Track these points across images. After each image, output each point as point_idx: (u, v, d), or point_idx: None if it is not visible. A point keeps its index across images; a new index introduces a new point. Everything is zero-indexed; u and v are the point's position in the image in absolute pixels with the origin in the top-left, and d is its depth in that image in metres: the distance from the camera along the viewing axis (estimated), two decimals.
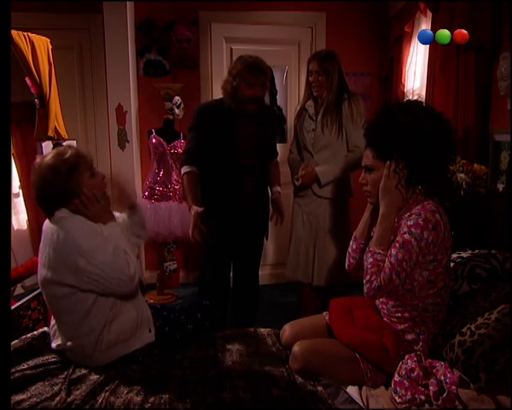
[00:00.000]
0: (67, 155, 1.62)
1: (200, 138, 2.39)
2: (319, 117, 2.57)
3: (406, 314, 1.55)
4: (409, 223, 1.46)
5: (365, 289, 1.49)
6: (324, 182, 2.55)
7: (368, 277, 1.47)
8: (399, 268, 1.43)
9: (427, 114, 1.50)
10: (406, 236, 1.44)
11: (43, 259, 1.57)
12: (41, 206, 1.63)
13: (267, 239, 2.63)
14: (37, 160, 1.63)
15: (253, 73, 2.24)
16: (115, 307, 1.60)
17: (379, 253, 1.48)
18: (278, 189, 2.55)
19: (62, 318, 1.61)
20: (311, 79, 2.57)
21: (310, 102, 2.64)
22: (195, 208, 2.26)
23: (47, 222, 1.63)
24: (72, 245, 1.51)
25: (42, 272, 1.58)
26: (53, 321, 1.69)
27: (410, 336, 1.55)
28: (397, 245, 1.45)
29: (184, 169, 2.44)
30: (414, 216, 1.46)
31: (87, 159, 1.66)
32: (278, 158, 2.64)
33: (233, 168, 2.37)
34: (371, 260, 1.49)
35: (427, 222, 1.43)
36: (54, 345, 1.66)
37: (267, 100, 3.78)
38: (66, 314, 1.59)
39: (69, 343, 1.60)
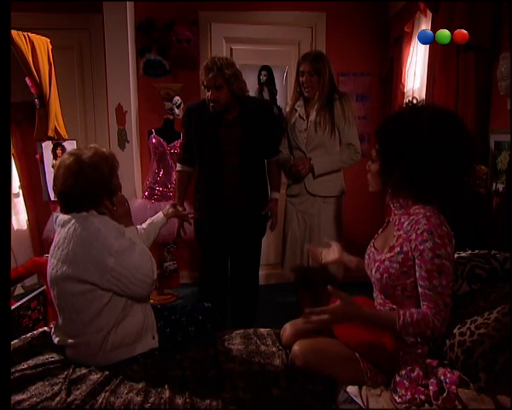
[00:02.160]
0: (107, 154, 1.64)
1: (188, 139, 2.48)
2: (312, 117, 2.60)
3: None
4: (427, 245, 1.42)
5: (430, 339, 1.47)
6: (318, 173, 2.59)
7: (428, 331, 1.43)
8: (448, 291, 1.42)
9: (437, 125, 1.45)
10: (436, 260, 1.41)
11: (62, 254, 1.55)
12: (70, 204, 1.59)
13: (262, 237, 2.63)
14: (67, 157, 1.59)
15: (206, 76, 2.26)
16: (125, 309, 1.61)
17: (399, 317, 1.44)
18: (276, 195, 2.58)
19: (72, 316, 1.59)
20: (302, 79, 2.60)
21: (299, 103, 2.67)
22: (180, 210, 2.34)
23: (65, 218, 1.61)
24: (103, 243, 1.52)
25: (59, 267, 1.56)
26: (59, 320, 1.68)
27: (408, 339, 1.55)
28: (435, 274, 1.41)
29: (177, 167, 2.60)
30: (426, 235, 1.42)
31: (116, 159, 1.69)
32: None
33: (218, 168, 2.38)
34: (408, 330, 1.43)
35: (442, 238, 1.42)
36: (55, 339, 1.66)
37: (267, 99, 3.81)
38: (78, 312, 1.57)
39: (73, 340, 1.59)
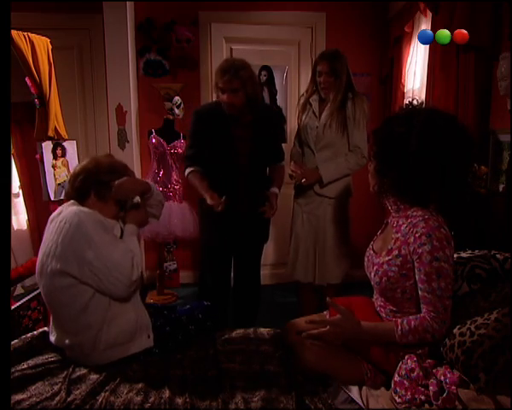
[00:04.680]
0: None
1: (199, 142, 2.40)
2: (323, 116, 2.56)
3: None
4: (426, 248, 1.42)
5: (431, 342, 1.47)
6: (326, 181, 2.56)
7: (427, 336, 1.44)
8: (447, 294, 1.43)
9: (430, 130, 1.44)
10: (434, 263, 1.41)
11: (48, 248, 1.56)
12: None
13: (266, 242, 2.62)
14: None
15: (222, 79, 2.21)
16: (114, 307, 1.60)
17: (397, 326, 1.47)
18: (276, 190, 2.48)
19: (59, 311, 1.61)
20: (319, 79, 2.54)
21: (314, 97, 2.62)
22: (214, 197, 2.22)
23: (54, 214, 1.64)
24: (84, 236, 1.52)
25: (44, 261, 1.57)
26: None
27: None
28: (433, 277, 1.41)
29: (188, 170, 2.46)
30: (425, 238, 1.42)
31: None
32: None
33: (228, 171, 2.36)
34: (408, 338, 1.45)
35: (440, 241, 1.41)
36: (52, 339, 1.67)
37: (267, 100, 3.81)
38: (64, 307, 1.58)
39: (68, 341, 1.60)
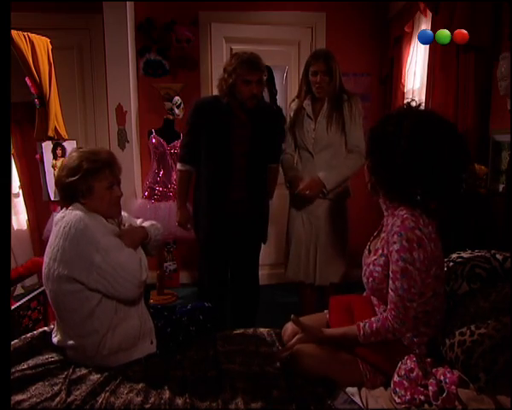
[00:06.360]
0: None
1: (196, 134, 2.39)
2: (320, 117, 2.55)
3: None
4: (395, 247, 1.42)
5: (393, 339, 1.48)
6: (330, 188, 2.53)
7: (389, 335, 1.47)
8: (409, 296, 1.42)
9: (418, 133, 1.42)
10: (400, 263, 1.42)
11: (53, 252, 1.55)
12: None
13: (264, 243, 2.61)
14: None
15: (248, 70, 2.23)
16: (119, 312, 1.60)
17: (360, 331, 1.50)
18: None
19: (65, 316, 1.60)
20: (315, 79, 2.51)
21: (307, 102, 2.61)
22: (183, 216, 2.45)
23: (59, 216, 1.62)
24: (90, 239, 1.51)
25: (50, 266, 1.55)
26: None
27: (405, 341, 1.54)
28: (398, 276, 1.42)
29: (179, 166, 2.52)
30: (396, 237, 1.42)
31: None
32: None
33: (225, 168, 2.35)
34: (371, 339, 1.49)
35: (410, 242, 1.40)
36: (54, 340, 1.66)
37: (267, 100, 3.81)
38: (70, 312, 1.57)
39: (71, 342, 1.59)
